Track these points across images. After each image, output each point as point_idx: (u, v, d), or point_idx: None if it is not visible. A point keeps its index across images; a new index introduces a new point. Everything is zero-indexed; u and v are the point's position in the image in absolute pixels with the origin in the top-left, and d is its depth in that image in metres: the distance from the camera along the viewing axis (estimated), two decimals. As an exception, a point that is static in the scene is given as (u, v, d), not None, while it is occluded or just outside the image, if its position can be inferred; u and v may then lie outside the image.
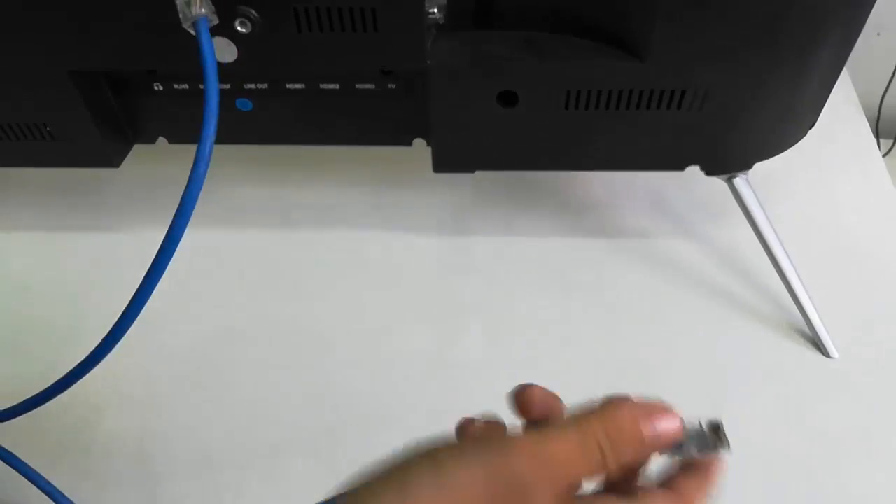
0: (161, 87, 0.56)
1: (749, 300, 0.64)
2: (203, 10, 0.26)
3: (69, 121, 0.56)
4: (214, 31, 0.48)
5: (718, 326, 0.62)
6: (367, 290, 0.63)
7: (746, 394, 0.57)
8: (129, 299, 0.29)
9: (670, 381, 0.58)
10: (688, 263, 0.66)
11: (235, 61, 0.50)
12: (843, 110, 0.82)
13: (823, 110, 0.58)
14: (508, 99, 0.53)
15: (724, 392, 0.58)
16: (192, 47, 0.49)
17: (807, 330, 0.61)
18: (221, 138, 0.60)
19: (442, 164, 0.59)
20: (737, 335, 0.62)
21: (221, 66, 0.50)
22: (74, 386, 0.41)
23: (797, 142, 0.60)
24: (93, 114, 0.55)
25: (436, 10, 0.50)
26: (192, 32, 0.27)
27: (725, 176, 0.60)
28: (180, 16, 0.26)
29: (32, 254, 0.70)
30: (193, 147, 0.61)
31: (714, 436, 0.28)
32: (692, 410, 0.57)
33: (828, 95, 0.57)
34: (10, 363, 0.60)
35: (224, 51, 0.49)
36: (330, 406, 0.57)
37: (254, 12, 0.47)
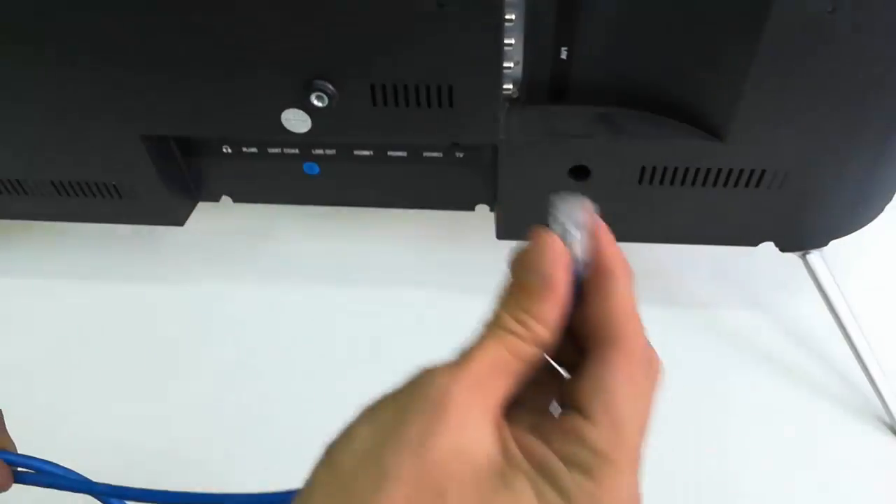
0: (230, 150, 0.57)
1: (821, 379, 0.61)
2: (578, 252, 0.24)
3: (137, 180, 0.56)
4: (293, 103, 0.48)
5: (787, 406, 0.60)
6: (424, 352, 0.62)
7: (815, 479, 0.55)
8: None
9: (731, 461, 0.56)
10: (753, 336, 0.64)
11: (308, 132, 0.50)
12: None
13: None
14: (581, 173, 0.52)
15: (791, 476, 0.55)
16: (264, 116, 0.49)
17: (884, 415, 0.58)
18: (288, 199, 0.61)
19: (506, 232, 0.58)
20: (806, 416, 0.59)
21: (294, 136, 0.50)
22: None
23: (875, 218, 0.58)
24: (161, 174, 0.56)
25: (511, 86, 0.49)
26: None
27: (800, 252, 0.58)
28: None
29: (88, 300, 0.70)
30: (255, 206, 0.62)
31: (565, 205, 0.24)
32: (755, 491, 0.55)
33: (907, 172, 0.55)
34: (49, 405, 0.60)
35: (299, 122, 0.49)
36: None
37: (331, 87, 0.47)
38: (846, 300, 0.58)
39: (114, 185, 0.57)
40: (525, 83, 0.50)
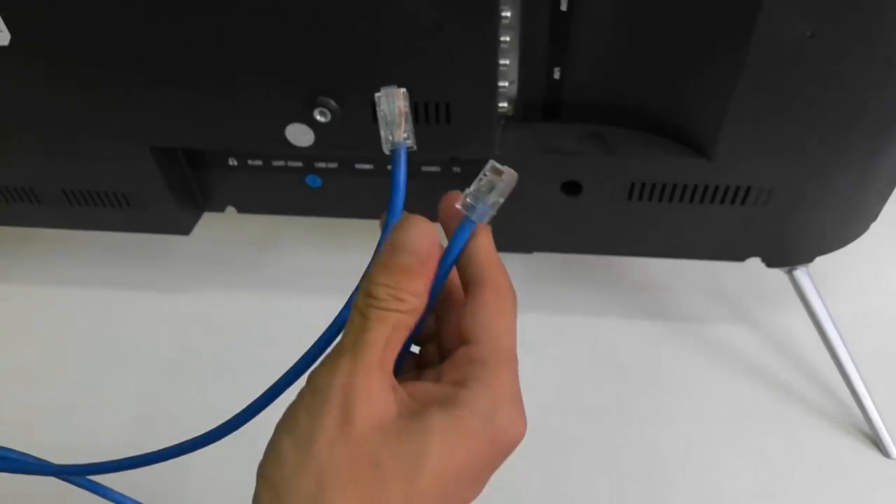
0: (236, 162, 0.59)
1: (805, 392, 0.63)
2: (406, 137, 0.29)
3: (146, 190, 0.58)
4: (296, 118, 0.50)
5: (772, 418, 0.61)
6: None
7: (799, 489, 0.56)
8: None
9: (718, 471, 0.57)
10: (742, 350, 0.66)
11: (311, 146, 0.52)
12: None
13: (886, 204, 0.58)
14: (573, 188, 0.54)
15: (777, 486, 0.57)
16: (269, 130, 0.51)
17: (866, 427, 0.60)
18: (291, 211, 0.63)
19: (501, 244, 0.59)
20: (791, 428, 0.61)
21: (297, 149, 0.52)
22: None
23: (859, 236, 0.59)
24: (169, 184, 0.58)
25: (506, 104, 0.51)
26: (387, 152, 0.29)
27: (786, 268, 0.59)
28: (382, 138, 0.29)
29: (95, 307, 0.72)
30: (259, 216, 0.64)
31: (495, 176, 0.28)
32: (741, 500, 0.56)
33: (892, 190, 0.57)
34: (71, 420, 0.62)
35: (302, 136, 0.51)
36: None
37: (333, 103, 0.49)
38: (830, 315, 0.60)
39: (123, 195, 0.59)
40: (520, 101, 0.52)
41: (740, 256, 0.58)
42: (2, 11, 0.46)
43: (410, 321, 0.25)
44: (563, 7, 0.46)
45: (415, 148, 0.29)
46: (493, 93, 0.48)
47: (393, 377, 0.25)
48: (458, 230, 0.27)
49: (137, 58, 0.48)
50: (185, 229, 0.62)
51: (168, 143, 0.55)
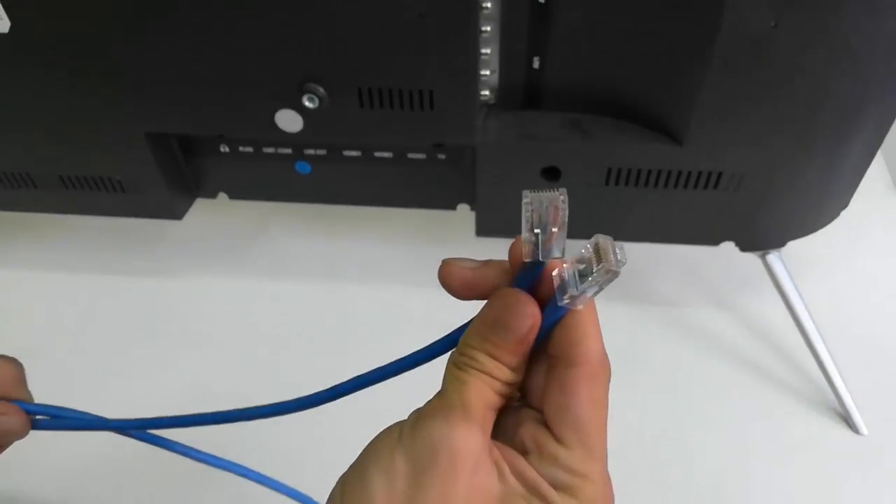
0: (227, 149, 0.61)
1: (779, 373, 0.65)
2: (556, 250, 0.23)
3: (140, 176, 0.60)
4: (286, 104, 0.52)
5: (747, 398, 0.63)
6: (407, 344, 0.66)
7: (774, 466, 0.58)
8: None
9: (696, 450, 0.60)
10: (719, 334, 0.68)
11: (300, 132, 0.54)
12: (878, 192, 0.83)
13: (858, 191, 0.60)
14: (552, 174, 0.56)
15: (752, 464, 0.59)
16: (259, 116, 0.53)
17: (837, 406, 0.62)
18: (281, 197, 0.65)
19: (485, 229, 0.62)
20: (766, 407, 0.63)
21: (287, 136, 0.54)
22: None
23: (830, 221, 0.62)
24: (162, 170, 0.60)
25: (488, 92, 0.53)
26: (527, 260, 0.24)
27: (759, 252, 0.61)
28: (525, 248, 0.24)
29: (91, 294, 0.74)
30: (250, 203, 0.66)
31: (597, 256, 0.23)
32: (717, 480, 0.58)
33: (861, 178, 0.59)
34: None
35: (291, 122, 0.53)
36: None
37: (321, 89, 0.51)
38: (803, 299, 0.62)
39: (118, 181, 0.61)
40: (501, 90, 0.54)
41: (714, 241, 0.60)
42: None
43: (507, 391, 0.26)
44: (541, -2, 0.48)
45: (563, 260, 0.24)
46: (474, 81, 0.50)
47: (490, 442, 0.25)
48: (549, 311, 0.25)
49: (132, 46, 0.50)
50: (177, 214, 0.64)
51: (162, 128, 0.57)
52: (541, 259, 0.23)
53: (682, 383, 0.64)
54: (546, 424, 0.25)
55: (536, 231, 0.23)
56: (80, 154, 0.59)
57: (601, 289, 0.23)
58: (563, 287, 0.24)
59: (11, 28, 0.50)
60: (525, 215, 0.23)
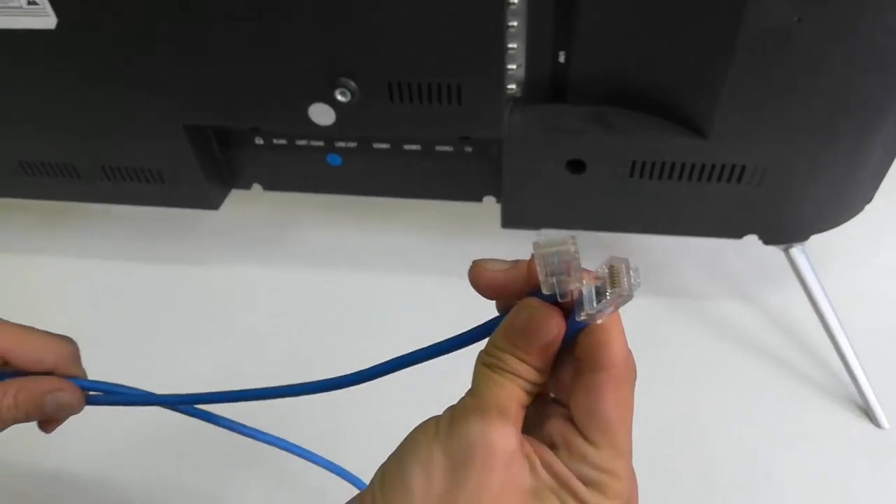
0: (262, 141, 0.63)
1: (801, 366, 0.66)
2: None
3: (179, 167, 0.63)
4: (319, 98, 0.54)
5: (769, 389, 0.64)
6: (433, 333, 0.68)
7: (794, 458, 0.59)
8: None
9: (716, 441, 0.60)
10: (740, 326, 0.69)
11: (332, 124, 0.55)
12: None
13: (881, 186, 0.60)
14: (577, 166, 0.57)
15: (772, 455, 0.60)
16: (293, 109, 0.55)
17: (858, 399, 0.63)
18: (312, 188, 0.67)
19: (510, 220, 0.63)
20: (787, 399, 0.63)
21: (319, 128, 0.56)
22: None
23: (854, 215, 0.62)
24: (200, 162, 0.62)
25: (514, 86, 0.54)
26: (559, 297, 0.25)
27: (783, 246, 0.62)
28: (543, 287, 0.25)
29: (128, 281, 0.77)
30: (281, 194, 0.68)
31: (611, 279, 0.23)
32: (738, 470, 0.59)
33: (885, 173, 0.60)
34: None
35: (324, 115, 0.55)
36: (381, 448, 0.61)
37: (353, 83, 0.53)
38: (826, 292, 0.63)
39: (158, 171, 0.63)
40: (527, 83, 0.56)
41: (738, 234, 0.61)
42: (52, -5, 0.50)
43: (535, 390, 0.27)
44: (567, -6, 0.50)
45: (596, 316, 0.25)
46: (500, 75, 0.51)
47: (521, 437, 0.26)
48: (572, 320, 0.26)
49: (173, 41, 0.52)
50: (214, 205, 0.66)
51: (200, 121, 0.59)
52: (559, 300, 0.25)
53: (702, 373, 0.65)
54: (573, 422, 0.27)
55: (552, 280, 0.24)
56: (122, 146, 0.62)
57: (616, 308, 0.24)
58: (581, 304, 0.24)
59: (58, 24, 0.53)
60: (538, 269, 0.24)
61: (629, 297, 0.23)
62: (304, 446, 0.45)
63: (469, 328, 0.28)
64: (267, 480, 0.60)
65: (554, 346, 0.26)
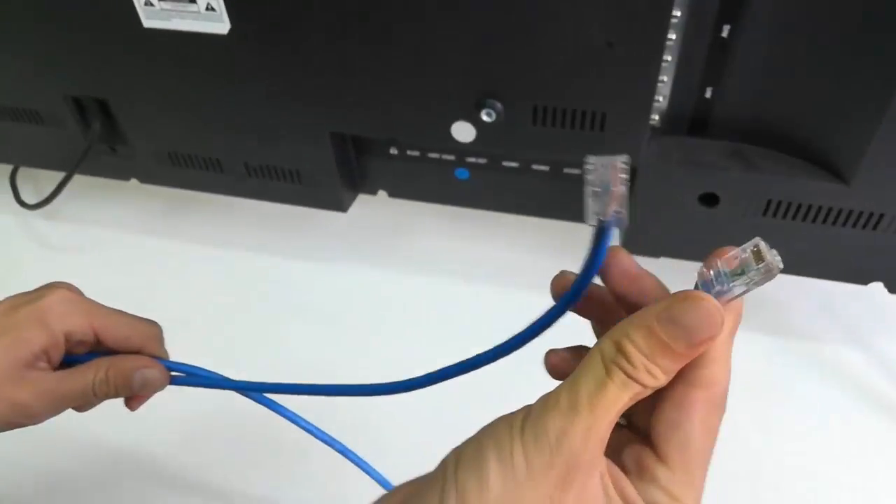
0: (396, 151, 0.66)
1: (918, 419, 0.64)
2: (619, 212, 0.25)
3: (319, 169, 0.66)
4: (462, 116, 0.56)
5: (880, 441, 0.63)
6: (532, 350, 0.69)
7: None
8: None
9: (830, 495, 0.60)
10: (857, 374, 0.67)
11: (471, 142, 0.58)
12: None
13: None
14: (710, 200, 0.57)
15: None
16: (437, 125, 0.58)
17: (979, 460, 0.61)
18: (436, 199, 0.69)
19: (632, 247, 0.64)
20: (893, 451, 0.62)
21: (457, 144, 0.58)
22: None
23: None
24: (339, 167, 0.65)
25: (656, 117, 0.56)
26: (590, 224, 0.26)
27: (910, 296, 0.61)
28: (587, 209, 0.25)
29: (254, 271, 0.81)
30: (399, 200, 0.70)
31: (756, 257, 0.24)
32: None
33: None
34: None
35: (465, 133, 0.57)
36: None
37: (499, 104, 0.55)
38: (952, 346, 0.61)
39: (297, 172, 0.67)
40: (668, 115, 0.57)
41: (864, 280, 0.60)
42: None
43: (643, 397, 0.25)
44: (724, 34, 0.50)
45: (626, 224, 0.25)
46: (647, 107, 0.52)
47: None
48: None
49: (332, 54, 0.55)
50: (343, 207, 0.69)
51: (347, 130, 0.62)
52: (603, 218, 0.25)
53: (811, 416, 0.64)
54: (650, 445, 0.25)
55: (597, 189, 0.25)
56: (269, 146, 0.65)
57: (748, 290, 0.24)
58: (708, 284, 0.24)
59: (230, 30, 0.57)
60: (587, 177, 0.25)
61: (772, 276, 0.24)
62: (358, 451, 0.47)
63: (528, 324, 0.29)
64: (304, 475, 0.62)
65: (704, 346, 0.24)
